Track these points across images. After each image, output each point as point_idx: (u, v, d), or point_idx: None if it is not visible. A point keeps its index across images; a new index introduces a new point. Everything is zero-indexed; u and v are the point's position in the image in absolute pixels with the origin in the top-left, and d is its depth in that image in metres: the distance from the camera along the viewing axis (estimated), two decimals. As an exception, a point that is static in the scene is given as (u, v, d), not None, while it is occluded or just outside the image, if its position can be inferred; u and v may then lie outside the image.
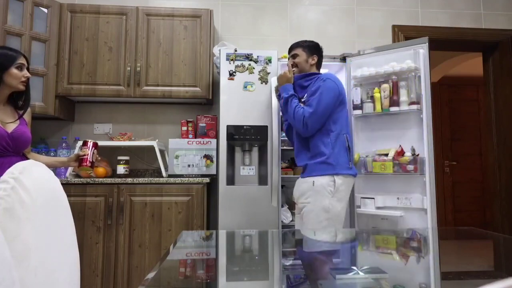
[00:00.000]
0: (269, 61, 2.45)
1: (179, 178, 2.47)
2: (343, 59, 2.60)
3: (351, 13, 3.29)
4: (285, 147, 2.62)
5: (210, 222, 2.83)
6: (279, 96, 2.16)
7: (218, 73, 2.53)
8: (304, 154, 2.02)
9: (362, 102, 2.42)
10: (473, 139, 5.02)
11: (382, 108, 2.35)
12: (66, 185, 2.30)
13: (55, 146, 2.83)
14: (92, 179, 2.44)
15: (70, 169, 2.66)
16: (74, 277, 0.86)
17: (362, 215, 2.38)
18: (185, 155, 2.63)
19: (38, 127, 2.88)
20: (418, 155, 2.23)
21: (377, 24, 3.30)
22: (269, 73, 2.44)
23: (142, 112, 3.06)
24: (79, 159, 1.89)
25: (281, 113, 2.32)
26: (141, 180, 2.44)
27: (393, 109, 2.31)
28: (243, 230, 1.92)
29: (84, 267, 2.32)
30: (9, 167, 0.79)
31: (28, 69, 1.79)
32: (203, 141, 2.67)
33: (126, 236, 2.39)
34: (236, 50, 2.46)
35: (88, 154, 1.89)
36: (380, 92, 2.36)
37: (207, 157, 2.65)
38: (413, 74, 2.29)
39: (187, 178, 2.48)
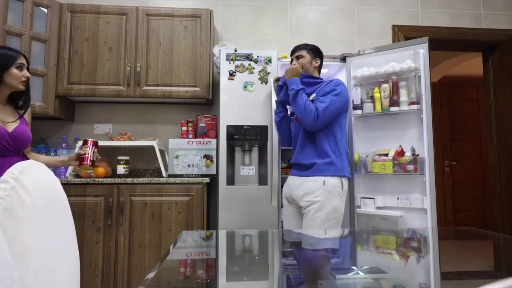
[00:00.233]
0: (269, 61, 2.45)
1: (179, 178, 2.47)
2: (343, 59, 2.60)
3: (351, 13, 3.29)
4: (285, 147, 2.62)
5: (210, 222, 2.83)
6: (280, 88, 2.19)
7: (218, 73, 2.53)
8: (311, 152, 2.02)
9: (362, 102, 2.42)
10: (473, 139, 5.02)
11: (382, 108, 2.35)
12: (66, 185, 2.31)
13: (55, 146, 2.83)
14: (92, 179, 2.44)
15: (70, 169, 2.66)
16: (74, 277, 0.86)
17: (362, 215, 2.38)
18: (185, 155, 2.63)
19: (38, 127, 2.88)
20: (418, 155, 2.23)
21: (377, 24, 3.30)
22: (269, 73, 2.44)
23: (142, 112, 3.06)
24: (80, 158, 1.90)
25: (274, 106, 2.31)
26: (141, 180, 2.44)
27: (393, 109, 2.31)
28: (243, 230, 1.92)
29: (84, 267, 2.32)
30: (9, 167, 0.79)
31: (28, 69, 1.79)
32: (203, 141, 2.67)
33: (126, 236, 2.39)
34: (236, 50, 2.46)
35: (88, 153, 1.89)
36: (380, 92, 2.36)
37: (207, 157, 2.65)
38: (413, 74, 2.29)
39: (187, 178, 2.48)
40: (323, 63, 2.25)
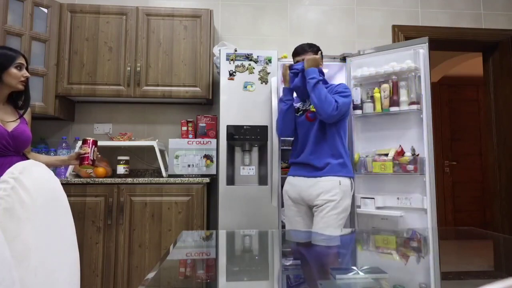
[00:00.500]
0: (269, 61, 2.45)
1: (179, 178, 2.47)
2: (343, 59, 2.60)
3: (351, 13, 3.29)
4: (285, 147, 2.62)
5: (210, 222, 2.83)
6: (294, 75, 2.11)
7: (218, 73, 2.53)
8: (325, 153, 2.03)
9: (362, 102, 2.42)
10: (473, 139, 5.02)
11: (382, 108, 2.35)
12: (66, 185, 2.31)
13: (55, 146, 2.83)
14: (92, 179, 2.44)
15: (70, 169, 2.66)
16: (74, 277, 0.86)
17: (362, 215, 2.38)
18: (185, 155, 2.63)
19: (38, 127, 2.88)
20: (418, 155, 2.23)
21: (377, 24, 3.30)
22: (269, 73, 2.44)
23: (142, 112, 3.06)
24: (80, 158, 1.89)
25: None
26: (141, 180, 2.44)
27: (393, 109, 2.31)
28: (243, 230, 1.92)
29: (84, 267, 2.32)
30: (9, 167, 0.79)
31: (27, 69, 1.79)
32: (203, 141, 2.67)
33: (126, 236, 2.39)
34: (236, 50, 2.46)
35: (89, 152, 1.89)
36: (380, 92, 2.36)
37: (207, 157, 2.65)
38: (413, 74, 2.29)
39: (187, 178, 2.48)
40: (324, 63, 2.26)
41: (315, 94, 1.96)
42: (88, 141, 1.91)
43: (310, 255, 1.21)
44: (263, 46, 3.13)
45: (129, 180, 2.43)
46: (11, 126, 1.72)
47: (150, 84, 2.74)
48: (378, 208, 2.32)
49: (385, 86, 2.35)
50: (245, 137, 2.38)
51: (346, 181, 2.00)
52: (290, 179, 2.15)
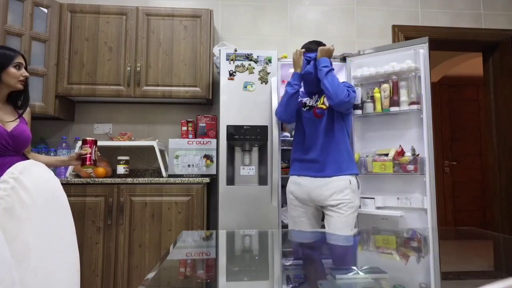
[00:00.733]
0: (269, 61, 2.45)
1: (179, 178, 2.47)
2: (343, 59, 2.60)
3: (351, 13, 3.29)
4: (285, 147, 2.62)
5: (210, 222, 2.83)
6: (307, 62, 2.09)
7: (218, 73, 2.53)
8: (334, 150, 2.00)
9: (362, 102, 2.42)
10: (473, 139, 5.02)
11: (382, 108, 2.35)
12: (66, 185, 2.31)
13: (55, 146, 2.83)
14: (92, 179, 2.44)
15: (70, 169, 2.66)
16: (74, 277, 0.86)
17: (362, 215, 2.37)
18: (185, 155, 2.63)
19: (38, 127, 2.88)
20: (418, 155, 2.23)
21: (377, 24, 3.30)
22: (269, 73, 2.44)
23: (142, 112, 3.06)
24: (82, 158, 1.89)
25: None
26: (141, 180, 2.44)
27: (393, 109, 2.31)
28: (243, 230, 1.92)
29: (84, 267, 2.32)
30: (9, 167, 0.79)
31: (26, 68, 1.79)
32: (203, 141, 2.67)
33: (126, 236, 2.39)
34: (236, 50, 2.46)
35: (90, 153, 1.89)
36: (380, 92, 2.36)
37: (207, 157, 2.65)
38: (413, 74, 2.29)
39: (187, 178, 2.48)
40: None
41: (327, 80, 1.94)
42: (89, 141, 1.90)
43: (337, 256, 1.21)
44: (263, 46, 3.13)
45: (129, 180, 2.43)
46: (10, 126, 1.72)
47: (150, 84, 2.74)
48: (378, 208, 2.32)
49: (385, 86, 2.35)
50: (245, 137, 2.38)
51: (354, 180, 1.99)
52: (295, 179, 2.07)
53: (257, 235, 1.46)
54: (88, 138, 1.92)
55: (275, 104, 2.36)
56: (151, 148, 2.72)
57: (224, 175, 2.37)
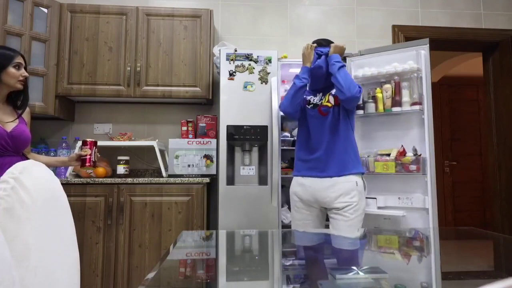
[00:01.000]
0: (269, 61, 2.45)
1: (179, 178, 2.47)
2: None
3: (351, 13, 3.29)
4: (285, 147, 2.62)
5: (210, 222, 2.83)
6: (318, 56, 2.07)
7: (218, 73, 2.53)
8: (340, 148, 1.95)
9: (364, 102, 2.42)
10: (473, 139, 5.02)
11: (384, 108, 2.35)
12: (66, 185, 2.31)
13: (55, 146, 2.83)
14: (92, 179, 2.44)
15: (70, 169, 2.66)
16: (74, 277, 0.86)
17: (365, 215, 2.37)
18: (185, 155, 2.63)
19: (38, 127, 2.88)
20: (420, 155, 2.23)
21: (377, 24, 3.30)
22: (269, 73, 2.44)
23: (142, 112, 3.06)
24: (82, 160, 1.89)
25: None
26: (141, 180, 2.44)
27: (396, 109, 2.32)
28: (243, 230, 1.92)
29: (84, 267, 2.32)
30: (9, 167, 0.79)
31: (26, 68, 1.79)
32: (203, 141, 2.67)
33: (126, 236, 2.39)
34: (236, 50, 2.46)
35: (90, 154, 1.89)
36: (382, 92, 2.36)
37: (207, 157, 2.65)
38: (415, 75, 2.29)
39: (187, 178, 2.48)
40: None
41: (340, 75, 1.92)
42: (89, 143, 1.90)
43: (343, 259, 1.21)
44: (263, 46, 3.13)
45: (129, 180, 2.43)
46: (10, 127, 1.72)
47: (150, 84, 2.74)
48: (379, 208, 2.32)
49: (387, 86, 2.35)
50: (245, 137, 2.38)
51: (360, 181, 1.95)
52: (300, 180, 2.01)
53: (257, 235, 1.46)
54: (88, 140, 1.91)
55: (275, 104, 2.36)
56: (151, 148, 2.72)
57: (224, 175, 2.37)
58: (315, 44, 2.10)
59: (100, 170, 2.63)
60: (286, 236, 1.51)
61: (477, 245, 1.24)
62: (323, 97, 2.04)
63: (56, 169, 2.71)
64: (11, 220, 0.71)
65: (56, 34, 2.69)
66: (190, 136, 2.81)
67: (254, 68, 2.44)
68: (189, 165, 2.62)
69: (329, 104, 2.00)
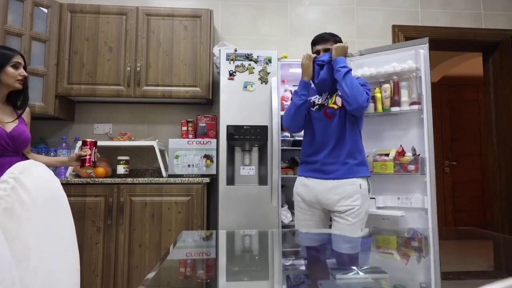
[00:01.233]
0: (269, 61, 2.45)
1: (179, 178, 2.47)
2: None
3: (351, 13, 3.29)
4: (285, 147, 2.62)
5: (210, 222, 2.83)
6: (320, 67, 1.93)
7: (218, 73, 2.53)
8: (346, 152, 1.88)
9: (362, 102, 2.42)
10: (473, 139, 5.02)
11: (383, 108, 2.35)
12: (66, 185, 2.30)
13: (55, 146, 2.83)
14: (92, 179, 2.44)
15: (70, 169, 2.66)
16: (74, 277, 0.86)
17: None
18: (185, 155, 2.63)
19: (38, 127, 2.88)
20: (419, 155, 2.23)
21: (377, 24, 3.30)
22: (269, 73, 2.44)
23: (142, 112, 3.06)
24: (81, 160, 1.89)
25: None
26: (141, 180, 2.44)
27: (394, 109, 2.31)
28: (243, 230, 1.92)
29: (84, 267, 2.32)
30: (9, 167, 0.78)
31: (25, 68, 1.79)
32: (203, 141, 2.67)
33: (126, 236, 2.39)
34: (236, 50, 2.46)
35: (90, 154, 1.89)
36: (381, 92, 2.36)
37: (207, 157, 2.65)
38: (414, 74, 2.29)
39: (187, 178, 2.48)
40: None
41: (346, 83, 1.81)
42: (89, 143, 1.90)
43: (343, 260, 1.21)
44: (263, 46, 3.13)
45: (129, 180, 2.43)
46: (10, 127, 1.72)
47: (150, 84, 2.74)
48: (378, 208, 2.32)
49: (386, 86, 2.35)
50: (245, 137, 2.38)
51: (365, 184, 1.89)
52: (303, 180, 1.96)
53: (257, 235, 1.46)
54: (88, 140, 1.91)
55: (275, 104, 2.36)
56: (151, 148, 2.72)
57: (224, 175, 2.37)
58: (314, 55, 1.97)
59: (100, 170, 2.63)
60: (286, 236, 1.51)
61: (477, 245, 1.24)
62: (329, 97, 1.95)
63: (56, 169, 2.71)
64: (11, 220, 0.71)
65: (56, 34, 2.69)
66: (190, 136, 2.81)
67: (254, 68, 2.44)
68: (189, 165, 2.62)
69: (335, 106, 1.90)
